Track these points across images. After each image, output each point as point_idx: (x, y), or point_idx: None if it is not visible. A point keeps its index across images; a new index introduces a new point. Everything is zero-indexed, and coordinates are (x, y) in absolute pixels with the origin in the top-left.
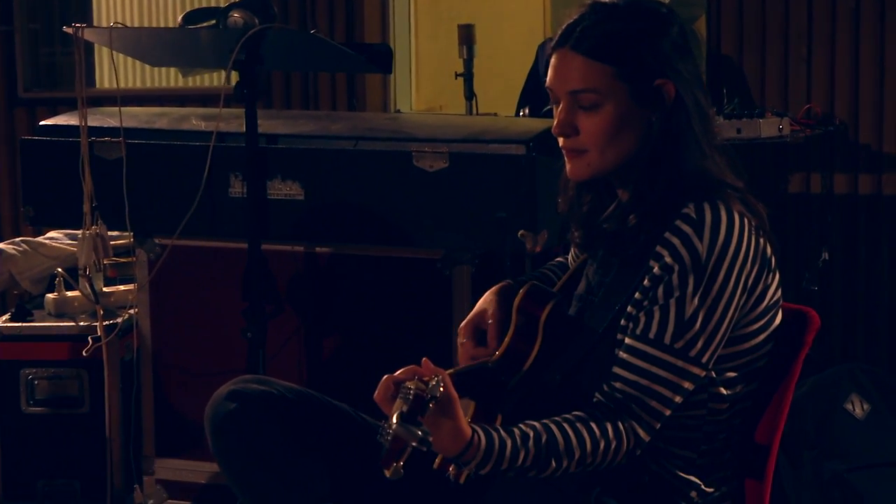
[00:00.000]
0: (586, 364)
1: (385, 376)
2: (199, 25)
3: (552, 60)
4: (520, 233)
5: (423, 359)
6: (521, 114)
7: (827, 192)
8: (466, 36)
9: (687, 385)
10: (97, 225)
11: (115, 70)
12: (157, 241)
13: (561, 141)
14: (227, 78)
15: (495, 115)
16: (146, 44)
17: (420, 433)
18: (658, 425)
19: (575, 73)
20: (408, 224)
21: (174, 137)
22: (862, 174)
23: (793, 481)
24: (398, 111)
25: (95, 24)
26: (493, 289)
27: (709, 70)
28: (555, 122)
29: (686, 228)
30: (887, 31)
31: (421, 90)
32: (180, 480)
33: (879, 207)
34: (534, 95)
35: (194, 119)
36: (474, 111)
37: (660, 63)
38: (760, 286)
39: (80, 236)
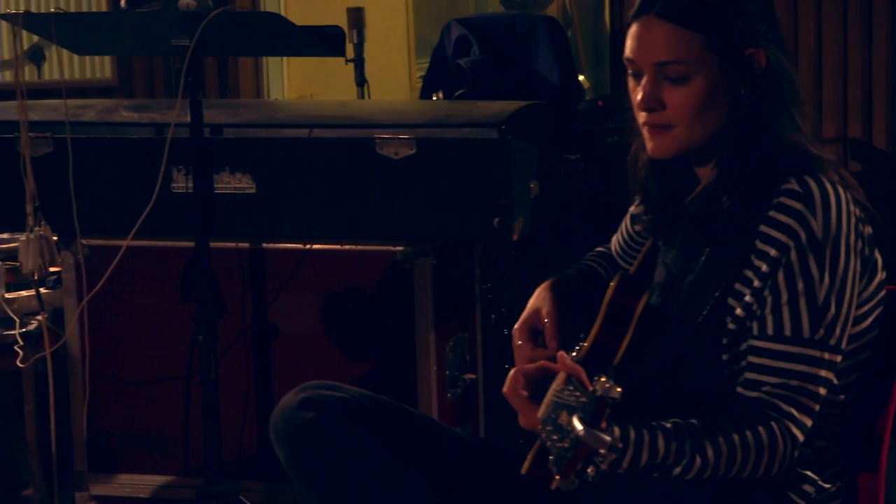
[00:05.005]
0: (684, 356)
1: (514, 368)
2: (143, 9)
3: (633, 29)
4: (495, 221)
5: (560, 353)
6: (433, 98)
7: None
8: (356, 20)
9: (831, 376)
10: (41, 227)
11: (59, 59)
12: (83, 241)
13: (643, 116)
14: (185, 66)
15: None
16: (83, 31)
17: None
18: (810, 423)
19: (662, 42)
20: (371, 216)
21: (109, 131)
22: None
23: None
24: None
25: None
26: (544, 285)
27: (612, 50)
28: (639, 96)
29: (796, 205)
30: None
31: (293, 77)
32: (118, 495)
33: None
34: (443, 79)
35: (124, 111)
36: (366, 97)
37: (749, 30)
38: (870, 261)
39: (22, 240)
